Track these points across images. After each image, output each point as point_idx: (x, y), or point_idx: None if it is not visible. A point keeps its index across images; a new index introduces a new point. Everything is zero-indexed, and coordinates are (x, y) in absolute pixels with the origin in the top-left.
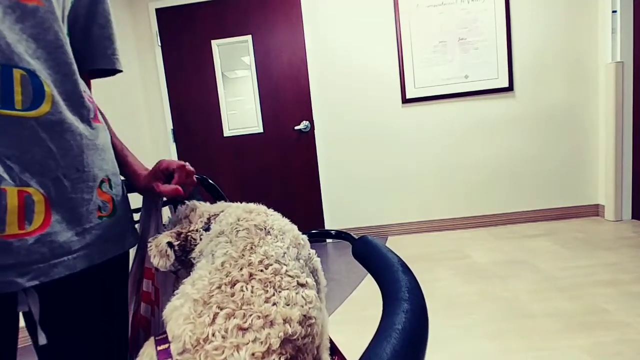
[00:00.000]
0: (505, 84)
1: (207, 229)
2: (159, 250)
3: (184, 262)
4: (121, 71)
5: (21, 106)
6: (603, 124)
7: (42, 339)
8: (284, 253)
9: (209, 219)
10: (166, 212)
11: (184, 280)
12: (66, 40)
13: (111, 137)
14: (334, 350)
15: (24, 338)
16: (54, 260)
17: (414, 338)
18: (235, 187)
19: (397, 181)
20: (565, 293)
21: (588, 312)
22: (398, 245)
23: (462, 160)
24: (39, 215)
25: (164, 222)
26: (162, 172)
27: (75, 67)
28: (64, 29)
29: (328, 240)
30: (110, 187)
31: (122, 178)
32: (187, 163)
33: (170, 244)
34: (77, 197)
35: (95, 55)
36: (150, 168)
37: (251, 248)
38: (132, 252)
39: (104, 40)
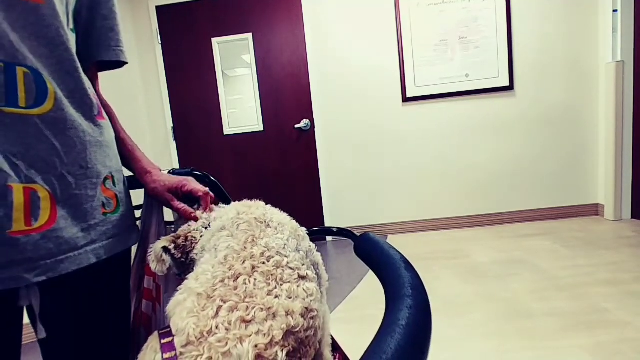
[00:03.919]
0: (506, 83)
1: (206, 227)
2: (155, 256)
3: (184, 264)
4: (126, 63)
5: (25, 104)
6: (603, 123)
7: (42, 333)
8: (285, 245)
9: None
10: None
11: (187, 276)
12: (68, 37)
13: (119, 132)
14: (335, 347)
15: (28, 334)
16: (61, 256)
17: (418, 334)
18: (235, 185)
19: (397, 180)
20: (565, 292)
21: (588, 312)
22: (398, 245)
23: (462, 159)
24: (45, 212)
25: (173, 219)
26: (183, 192)
27: (78, 64)
28: (66, 26)
29: (328, 239)
30: (114, 183)
31: (128, 174)
32: (209, 191)
33: (165, 249)
34: (82, 193)
35: (99, 47)
36: (157, 165)
37: (252, 240)
38: (133, 249)
39: (107, 31)
